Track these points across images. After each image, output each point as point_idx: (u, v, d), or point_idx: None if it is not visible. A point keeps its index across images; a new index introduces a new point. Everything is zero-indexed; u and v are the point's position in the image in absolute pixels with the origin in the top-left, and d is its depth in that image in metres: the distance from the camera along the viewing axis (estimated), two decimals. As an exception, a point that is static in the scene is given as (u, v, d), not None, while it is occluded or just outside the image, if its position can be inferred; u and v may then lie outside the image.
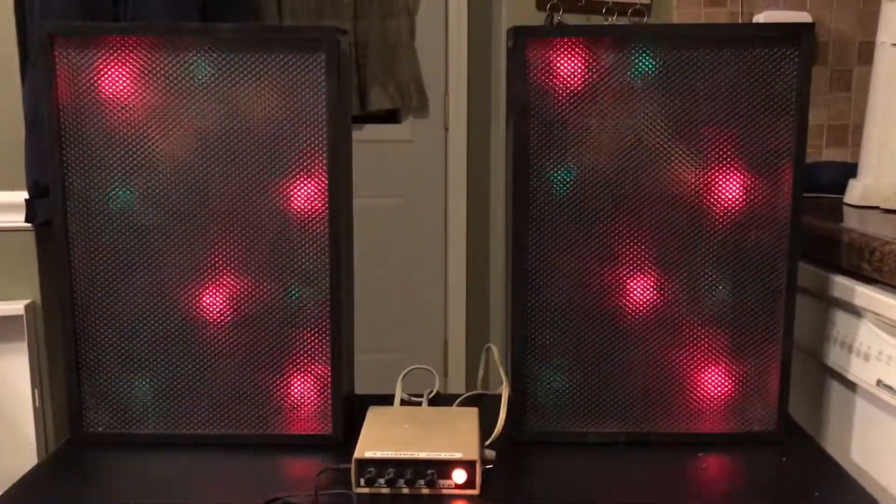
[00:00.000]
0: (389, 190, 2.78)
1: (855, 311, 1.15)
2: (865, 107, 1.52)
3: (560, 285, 1.03)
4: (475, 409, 1.07)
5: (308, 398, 1.05)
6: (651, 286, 1.03)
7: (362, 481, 0.92)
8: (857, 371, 1.13)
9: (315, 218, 1.02)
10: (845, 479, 0.96)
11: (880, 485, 1.11)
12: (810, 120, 1.00)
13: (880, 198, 1.45)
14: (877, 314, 1.09)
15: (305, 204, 1.01)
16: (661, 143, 1.01)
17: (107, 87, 1.00)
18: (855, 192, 1.50)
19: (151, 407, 1.05)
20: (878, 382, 1.08)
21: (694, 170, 1.01)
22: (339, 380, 1.04)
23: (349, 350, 1.11)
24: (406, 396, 1.19)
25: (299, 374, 1.05)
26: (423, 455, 0.92)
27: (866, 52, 1.98)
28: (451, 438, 0.96)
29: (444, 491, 0.92)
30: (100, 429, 1.06)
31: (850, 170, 1.57)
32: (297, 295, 1.03)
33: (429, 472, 0.91)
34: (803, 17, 1.93)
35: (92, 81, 0.99)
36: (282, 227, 1.02)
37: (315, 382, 1.05)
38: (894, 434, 1.09)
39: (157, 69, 0.99)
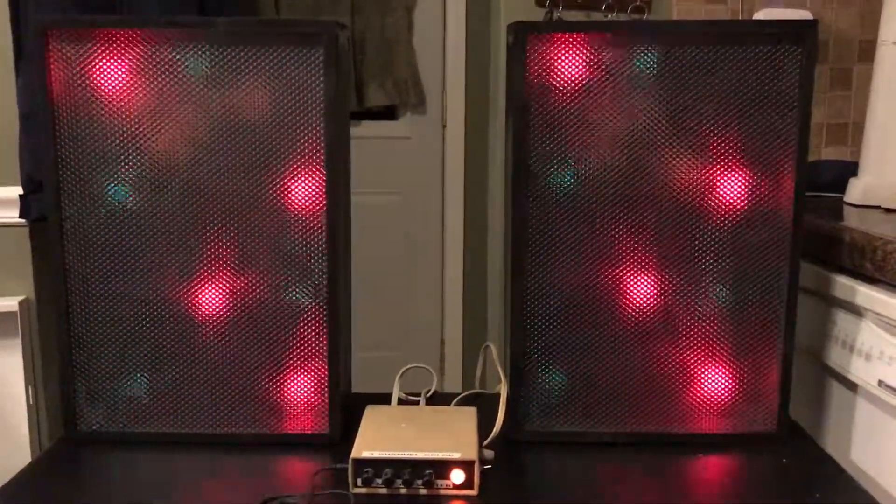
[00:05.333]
0: (386, 187, 2.77)
1: (856, 311, 1.14)
2: (865, 105, 1.51)
3: (559, 283, 1.02)
4: (473, 409, 1.06)
5: (305, 397, 1.04)
6: (651, 285, 1.02)
7: (359, 481, 0.91)
8: (859, 371, 1.12)
9: (313, 214, 1.01)
10: (846, 480, 0.96)
11: (881, 486, 1.10)
12: (810, 118, 0.99)
13: (881, 197, 1.44)
14: (878, 314, 1.09)
15: (303, 200, 1.00)
16: (662, 140, 1.00)
17: (101, 82, 0.98)
18: (856, 191, 1.49)
19: (146, 405, 1.04)
20: (880, 383, 1.08)
21: (695, 167, 1.00)
22: (337, 378, 1.03)
23: (346, 348, 1.10)
24: (403, 395, 1.18)
25: (296, 373, 1.04)
26: (420, 455, 0.91)
27: (866, 51, 1.97)
28: (449, 438, 0.95)
29: (442, 491, 0.91)
30: (94, 427, 1.05)
31: (851, 169, 1.56)
32: (294, 293, 1.02)
33: (427, 472, 0.90)
34: (804, 14, 1.92)
35: (86, 76, 0.98)
36: (279, 223, 1.01)
37: (312, 381, 1.04)
38: (895, 434, 1.08)
39: (153, 63, 0.98)
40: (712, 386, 1.04)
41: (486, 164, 2.81)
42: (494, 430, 1.02)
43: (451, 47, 2.73)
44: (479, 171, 2.81)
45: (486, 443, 1.00)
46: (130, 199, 1.00)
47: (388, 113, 2.77)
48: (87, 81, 0.98)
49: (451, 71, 2.74)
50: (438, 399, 1.19)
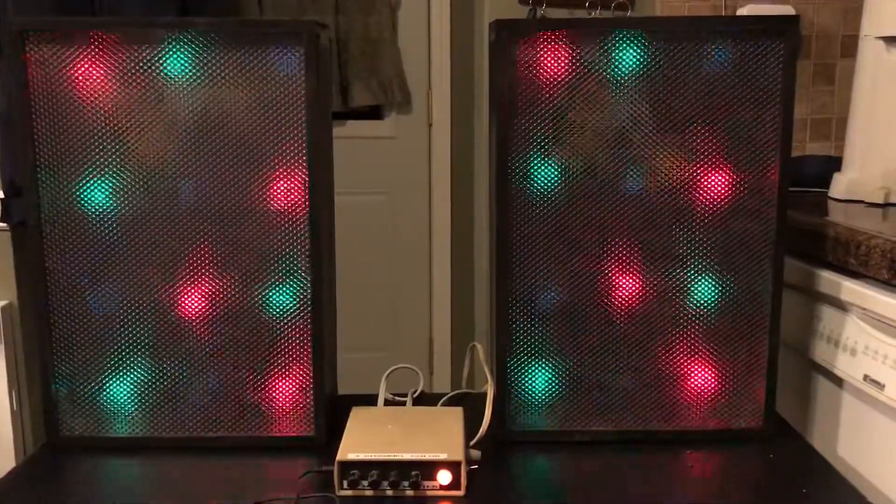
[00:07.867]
0: (373, 186, 2.76)
1: (841, 306, 1.14)
2: (848, 100, 1.52)
3: (544, 282, 1.02)
4: (460, 409, 1.06)
5: (290, 399, 1.03)
6: (636, 282, 1.02)
7: (345, 484, 0.90)
8: (844, 366, 1.13)
9: (295, 215, 1.00)
10: (833, 475, 0.96)
11: (867, 480, 1.11)
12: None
13: (865, 192, 1.45)
14: (863, 309, 1.09)
15: (285, 201, 1.00)
16: (646, 137, 0.99)
17: (81, 84, 0.97)
18: (839, 186, 1.49)
19: (129, 410, 1.03)
20: (865, 377, 1.08)
21: (679, 164, 1.00)
22: (322, 380, 1.02)
23: (332, 349, 1.10)
24: (390, 396, 1.18)
25: (281, 375, 1.03)
26: (407, 456, 0.90)
27: (849, 46, 1.98)
28: (435, 439, 0.95)
29: (429, 492, 0.91)
30: (76, 432, 1.04)
31: (834, 164, 1.56)
32: (278, 294, 1.01)
33: (413, 473, 0.90)
34: (787, 10, 1.93)
35: (65, 78, 0.97)
36: (262, 224, 1.00)
37: (297, 383, 1.03)
38: (881, 429, 1.08)
39: (133, 65, 0.97)
40: (699, 383, 1.04)
41: (472, 162, 2.80)
42: (481, 430, 1.02)
43: (435, 46, 2.72)
44: (465, 170, 2.81)
45: (472, 443, 1.00)
46: (111, 201, 0.99)
47: (374, 113, 2.76)
48: (66, 83, 0.97)
49: (437, 70, 2.74)
50: (425, 399, 1.18)
